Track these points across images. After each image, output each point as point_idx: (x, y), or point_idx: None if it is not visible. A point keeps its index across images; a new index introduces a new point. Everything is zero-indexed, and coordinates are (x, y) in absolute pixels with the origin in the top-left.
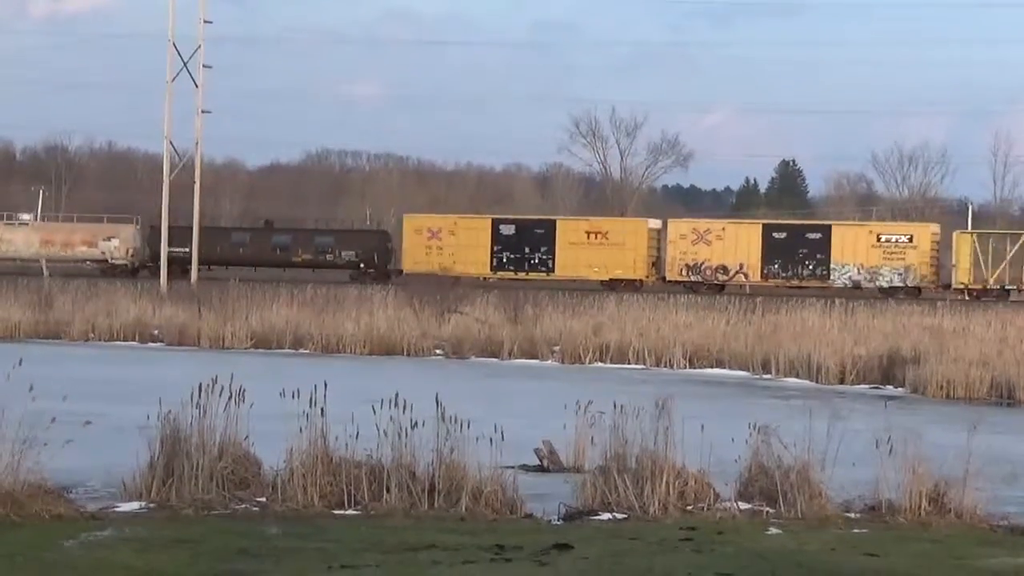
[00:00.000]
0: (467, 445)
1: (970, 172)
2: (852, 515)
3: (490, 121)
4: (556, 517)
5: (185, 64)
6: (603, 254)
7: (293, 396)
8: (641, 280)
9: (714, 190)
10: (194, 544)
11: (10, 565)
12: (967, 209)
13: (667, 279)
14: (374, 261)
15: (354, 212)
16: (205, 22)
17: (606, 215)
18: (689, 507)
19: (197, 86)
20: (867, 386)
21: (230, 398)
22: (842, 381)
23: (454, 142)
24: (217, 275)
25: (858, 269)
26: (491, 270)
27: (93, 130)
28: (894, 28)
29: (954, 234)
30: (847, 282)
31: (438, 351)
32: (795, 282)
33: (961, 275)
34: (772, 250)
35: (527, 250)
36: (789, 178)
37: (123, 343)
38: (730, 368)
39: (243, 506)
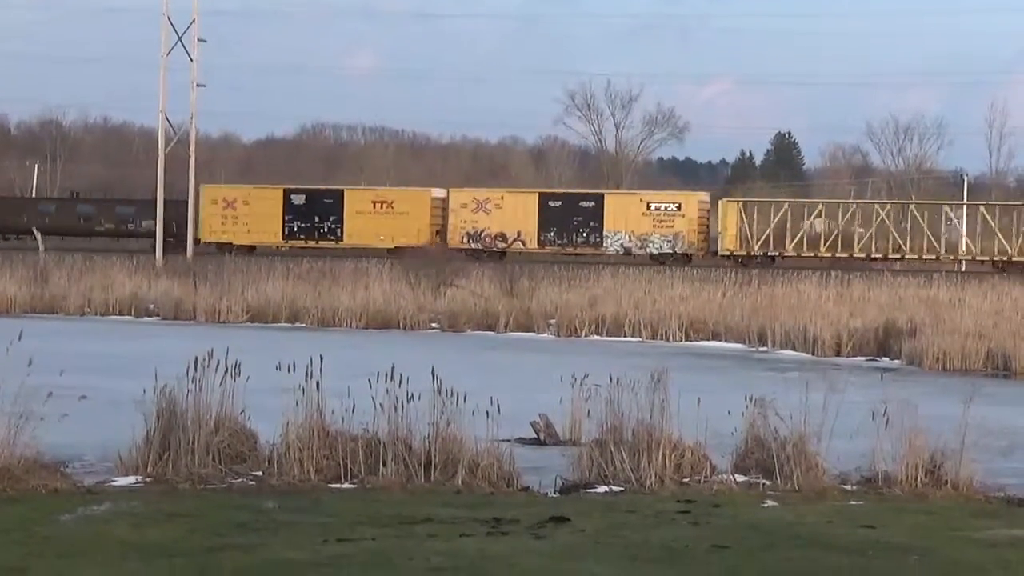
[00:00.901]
0: (463, 418)
1: (966, 143)
2: (848, 487)
3: (485, 94)
4: (552, 490)
5: (180, 38)
6: (389, 223)
7: (289, 370)
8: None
9: (710, 163)
10: (190, 518)
11: (6, 539)
12: (963, 181)
13: (450, 246)
14: (173, 230)
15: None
16: None
17: (601, 188)
18: (685, 480)
19: (192, 60)
20: (863, 358)
21: (226, 372)
22: (838, 353)
23: (449, 115)
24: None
25: (629, 236)
26: (283, 239)
27: (88, 104)
28: None
29: (720, 202)
30: (619, 249)
31: (434, 325)
32: (570, 249)
33: (728, 242)
34: (548, 218)
35: (317, 219)
36: (785, 150)
37: (119, 317)
38: (726, 341)
39: (239, 480)
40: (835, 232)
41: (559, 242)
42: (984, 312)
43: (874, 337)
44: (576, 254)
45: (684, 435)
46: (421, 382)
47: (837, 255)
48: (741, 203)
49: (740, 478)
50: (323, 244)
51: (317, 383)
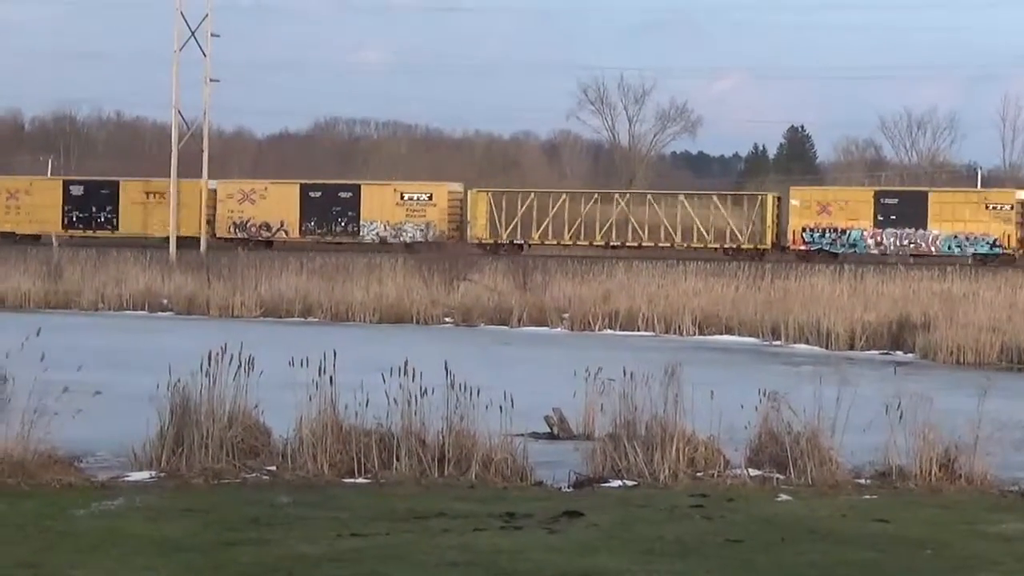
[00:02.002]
0: (477, 413)
1: (979, 137)
2: (862, 481)
3: (498, 89)
4: (566, 484)
5: (193, 33)
6: (163, 212)
7: (302, 364)
8: (197, 237)
9: (723, 156)
10: (204, 513)
11: (20, 534)
12: (976, 174)
13: (217, 235)
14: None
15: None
16: None
17: (614, 182)
18: (699, 474)
19: (205, 55)
20: (877, 352)
21: (239, 367)
22: (852, 347)
23: (462, 110)
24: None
25: (384, 225)
26: (63, 228)
27: (101, 99)
28: None
29: (469, 192)
30: (375, 238)
31: (447, 319)
32: (329, 238)
33: (478, 231)
34: (309, 208)
35: (94, 209)
36: (798, 144)
37: (133, 312)
38: (739, 335)
39: (253, 475)
40: (577, 220)
41: (319, 231)
42: (998, 305)
43: (888, 331)
44: (336, 243)
45: (698, 429)
46: (435, 377)
47: (578, 243)
48: (490, 193)
49: (754, 472)
50: (101, 234)
51: (331, 378)
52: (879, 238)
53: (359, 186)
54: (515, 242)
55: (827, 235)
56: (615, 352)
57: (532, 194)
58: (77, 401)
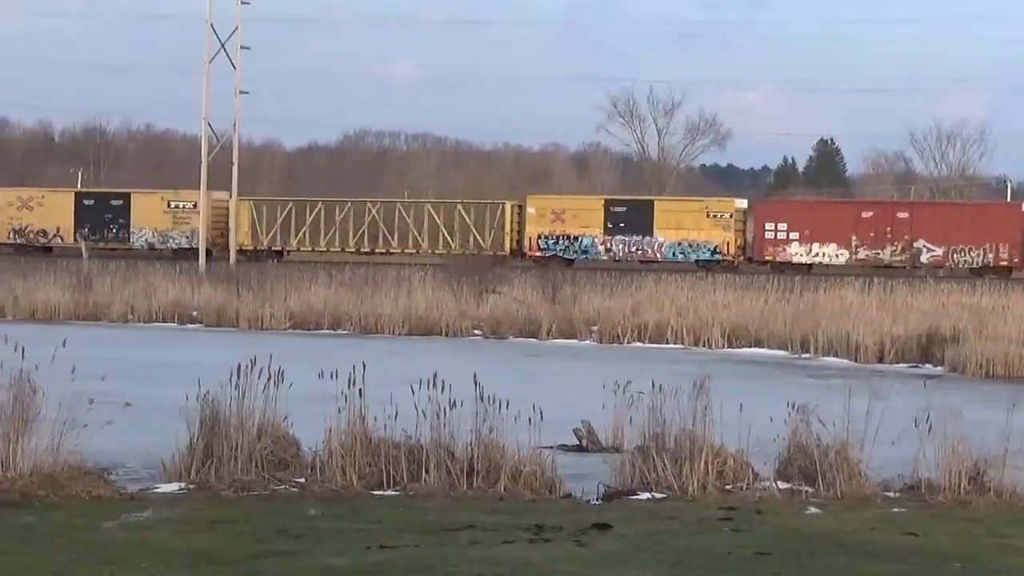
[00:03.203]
0: (506, 425)
1: (1009, 149)
2: (891, 494)
3: (527, 101)
4: (595, 497)
5: (223, 45)
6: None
7: (332, 377)
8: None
9: (752, 169)
10: (233, 525)
11: (50, 546)
12: (1006, 187)
13: None
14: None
15: (392, 193)
16: (243, 3)
17: (644, 194)
18: (728, 487)
19: (235, 67)
20: (906, 365)
21: (269, 379)
22: (881, 360)
23: (491, 122)
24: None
25: (152, 232)
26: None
27: (131, 112)
28: (931, 4)
29: (231, 201)
30: (143, 244)
31: (476, 331)
32: (101, 245)
33: (241, 237)
34: (84, 216)
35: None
36: (827, 157)
37: (162, 324)
38: (768, 347)
39: (282, 487)
40: (332, 228)
41: (93, 238)
42: None
43: (917, 344)
44: (109, 249)
45: (726, 442)
46: (463, 389)
47: (332, 248)
48: (252, 201)
49: (783, 485)
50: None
51: (360, 390)
52: (609, 245)
53: (129, 194)
54: (274, 248)
55: (560, 242)
56: (644, 364)
57: (290, 203)
58: (107, 413)
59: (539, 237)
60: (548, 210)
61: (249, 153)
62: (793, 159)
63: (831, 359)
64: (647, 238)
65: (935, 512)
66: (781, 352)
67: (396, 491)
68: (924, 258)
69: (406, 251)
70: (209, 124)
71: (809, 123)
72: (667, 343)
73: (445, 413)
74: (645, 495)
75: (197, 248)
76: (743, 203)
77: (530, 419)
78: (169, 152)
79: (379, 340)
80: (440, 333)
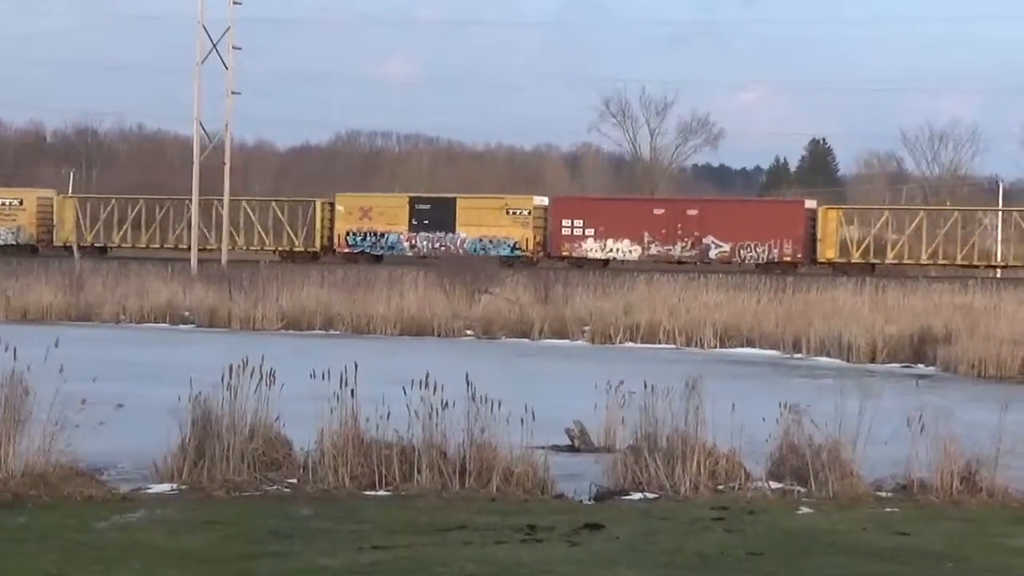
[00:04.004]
0: (498, 425)
1: (1001, 150)
2: (883, 494)
3: (520, 101)
4: (587, 497)
5: (215, 46)
6: None
7: (324, 377)
8: None
9: (744, 169)
10: (225, 525)
11: (42, 547)
12: (998, 187)
13: None
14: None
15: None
16: (235, 3)
17: (636, 194)
18: (720, 487)
19: (227, 67)
20: (898, 365)
21: (261, 379)
22: (873, 360)
23: (484, 122)
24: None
25: None
26: None
27: (123, 112)
28: (924, 5)
29: (56, 198)
30: None
31: (468, 331)
32: None
33: (66, 233)
34: None
35: None
36: (819, 156)
37: (154, 325)
38: (760, 347)
39: (274, 487)
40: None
41: None
42: (1020, 319)
43: (909, 344)
44: None
45: (719, 442)
46: (455, 389)
47: (152, 246)
48: (77, 199)
49: (775, 485)
50: None
51: (352, 390)
52: (414, 241)
53: None
54: (97, 245)
55: (368, 238)
56: (636, 365)
57: (113, 200)
58: (99, 413)
59: (348, 234)
60: (356, 208)
61: (241, 153)
62: (785, 159)
63: (823, 359)
64: (450, 235)
65: (927, 512)
66: (773, 352)
67: (388, 491)
68: (712, 254)
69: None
70: (201, 125)
71: (801, 123)
72: (659, 343)
73: (437, 413)
74: (637, 495)
75: (23, 245)
76: (542, 200)
77: (522, 419)
78: (161, 153)
79: (371, 340)
80: (432, 333)
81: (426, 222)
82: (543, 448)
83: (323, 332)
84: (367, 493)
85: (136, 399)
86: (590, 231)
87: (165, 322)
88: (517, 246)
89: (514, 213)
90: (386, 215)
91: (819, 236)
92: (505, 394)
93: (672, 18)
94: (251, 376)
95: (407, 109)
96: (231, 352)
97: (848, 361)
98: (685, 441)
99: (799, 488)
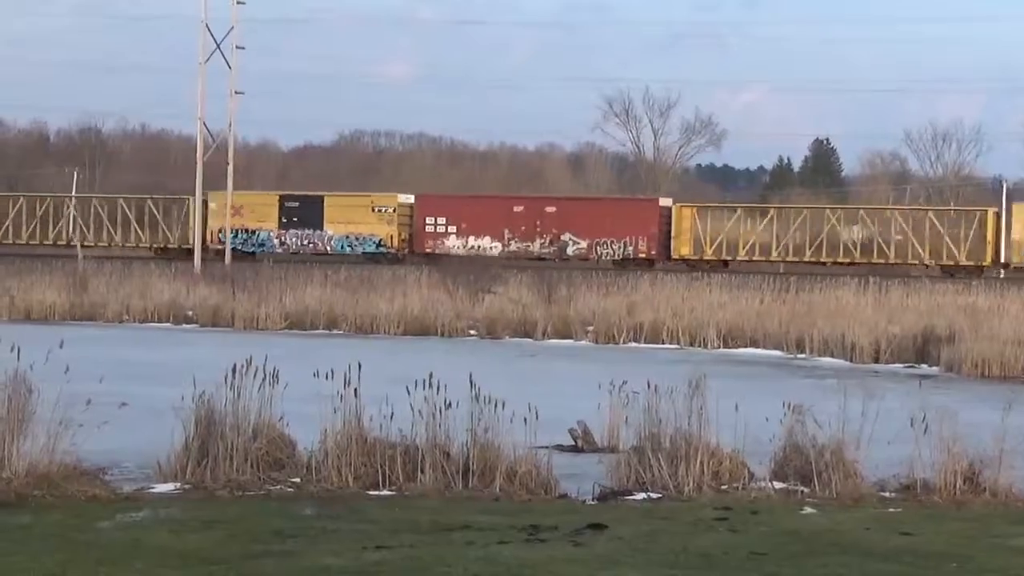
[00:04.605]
0: (501, 425)
1: (1005, 150)
2: (887, 494)
3: (523, 101)
4: (591, 497)
5: (218, 46)
6: None
7: (327, 377)
8: None
9: (748, 169)
10: (229, 525)
11: (45, 546)
12: (1001, 187)
13: None
14: None
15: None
16: (238, 3)
17: (639, 195)
18: (723, 487)
19: (230, 67)
20: (901, 365)
21: (264, 379)
22: (876, 360)
23: (487, 122)
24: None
25: None
26: None
27: (127, 112)
28: (926, 5)
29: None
30: None
31: (472, 331)
32: None
33: None
34: None
35: None
36: (823, 157)
37: (157, 325)
38: (764, 348)
39: (278, 487)
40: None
41: None
42: (1023, 319)
43: (912, 344)
44: None
45: (722, 442)
46: (459, 389)
47: (31, 242)
48: None
49: (778, 485)
50: None
51: (355, 390)
52: (283, 238)
53: None
54: None
55: (240, 235)
56: (640, 365)
57: None
58: (102, 413)
59: (220, 231)
60: (228, 205)
61: (245, 153)
62: (789, 159)
63: (827, 359)
64: (318, 232)
65: (931, 512)
66: (777, 352)
67: (392, 491)
68: (570, 251)
69: (99, 244)
70: (204, 124)
71: (805, 123)
72: (663, 343)
73: (441, 413)
74: (641, 495)
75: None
76: (408, 198)
77: (525, 419)
78: (165, 152)
79: (375, 340)
80: (436, 333)
81: (295, 219)
82: (546, 448)
83: (326, 332)
84: (370, 493)
85: (140, 399)
86: (452, 228)
87: (168, 322)
88: (382, 243)
89: (380, 211)
90: (257, 212)
91: (673, 233)
92: (508, 394)
93: (675, 18)
94: (254, 376)
95: (410, 109)
96: (234, 352)
97: (851, 361)
98: (688, 441)
99: (803, 488)
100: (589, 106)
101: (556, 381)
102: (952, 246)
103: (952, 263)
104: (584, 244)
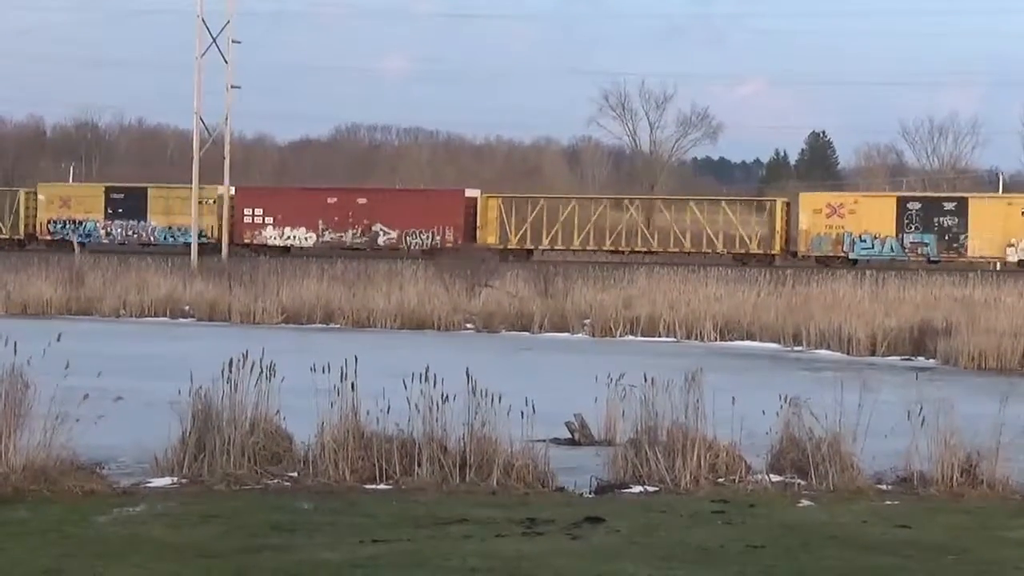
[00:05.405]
0: (498, 419)
1: (1001, 143)
2: (884, 487)
3: (519, 95)
4: (588, 490)
5: (214, 39)
6: None
7: (324, 371)
8: None
9: (744, 162)
10: (226, 519)
11: (42, 540)
12: (998, 179)
13: None
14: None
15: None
16: None
17: (636, 188)
18: (720, 480)
19: (227, 61)
20: (898, 357)
21: (261, 373)
22: (873, 353)
23: (483, 116)
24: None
25: None
26: None
27: (123, 106)
28: None
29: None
30: None
31: (469, 325)
32: None
33: None
34: None
35: None
36: (819, 149)
37: (154, 319)
38: (761, 340)
39: (275, 481)
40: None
41: None
42: (1020, 311)
43: (909, 336)
44: None
45: (719, 435)
46: (456, 383)
47: None
48: None
49: (775, 478)
50: None
51: (352, 384)
52: (109, 229)
53: None
54: None
55: (67, 226)
56: (636, 358)
57: None
58: (99, 407)
59: (49, 222)
60: (56, 197)
61: (241, 147)
62: (785, 152)
63: (823, 352)
64: (142, 223)
65: (928, 505)
66: (773, 345)
67: (389, 485)
68: (381, 241)
69: (14, 238)
70: (201, 119)
71: (801, 116)
72: (659, 336)
73: (437, 407)
74: (637, 488)
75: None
76: (230, 190)
77: (522, 413)
78: (161, 147)
79: (371, 334)
80: (432, 327)
81: (120, 211)
82: (543, 441)
83: (323, 326)
84: (367, 487)
85: (136, 393)
86: (269, 219)
87: (165, 316)
88: (203, 233)
89: (203, 202)
90: (84, 204)
91: (479, 224)
92: (505, 387)
93: (671, 11)
94: (251, 370)
95: (406, 103)
96: (231, 346)
97: (848, 354)
98: (685, 434)
99: (799, 481)
100: (585, 100)
101: (553, 375)
102: (744, 236)
103: (744, 251)
104: (394, 234)
